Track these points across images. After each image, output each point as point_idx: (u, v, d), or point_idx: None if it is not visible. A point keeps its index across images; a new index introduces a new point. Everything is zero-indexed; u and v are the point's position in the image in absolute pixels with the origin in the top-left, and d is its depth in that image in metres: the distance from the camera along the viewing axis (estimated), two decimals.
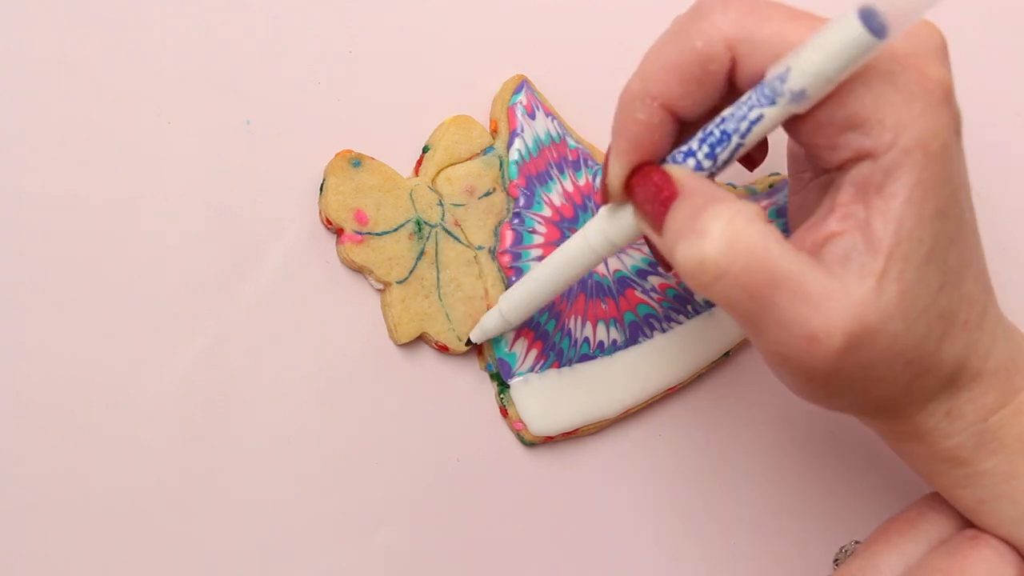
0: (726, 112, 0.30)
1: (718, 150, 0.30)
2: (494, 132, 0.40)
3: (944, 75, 0.29)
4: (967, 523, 0.34)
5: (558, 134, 0.40)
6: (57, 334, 0.36)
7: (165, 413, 0.37)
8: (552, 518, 0.40)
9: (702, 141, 0.30)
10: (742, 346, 0.42)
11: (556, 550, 0.40)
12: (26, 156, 0.36)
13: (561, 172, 0.40)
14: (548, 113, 0.40)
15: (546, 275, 0.36)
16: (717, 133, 0.30)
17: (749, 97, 0.29)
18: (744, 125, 0.30)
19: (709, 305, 0.41)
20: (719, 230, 0.28)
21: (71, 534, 0.36)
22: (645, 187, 0.31)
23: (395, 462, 0.39)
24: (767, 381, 0.42)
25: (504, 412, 0.40)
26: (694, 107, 0.31)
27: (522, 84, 0.40)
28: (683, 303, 0.41)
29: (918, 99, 0.29)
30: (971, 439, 0.31)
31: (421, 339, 0.39)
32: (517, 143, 0.40)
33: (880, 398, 0.31)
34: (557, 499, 0.40)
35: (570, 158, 0.40)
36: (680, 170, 0.31)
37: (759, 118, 0.29)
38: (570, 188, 0.40)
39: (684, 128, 0.31)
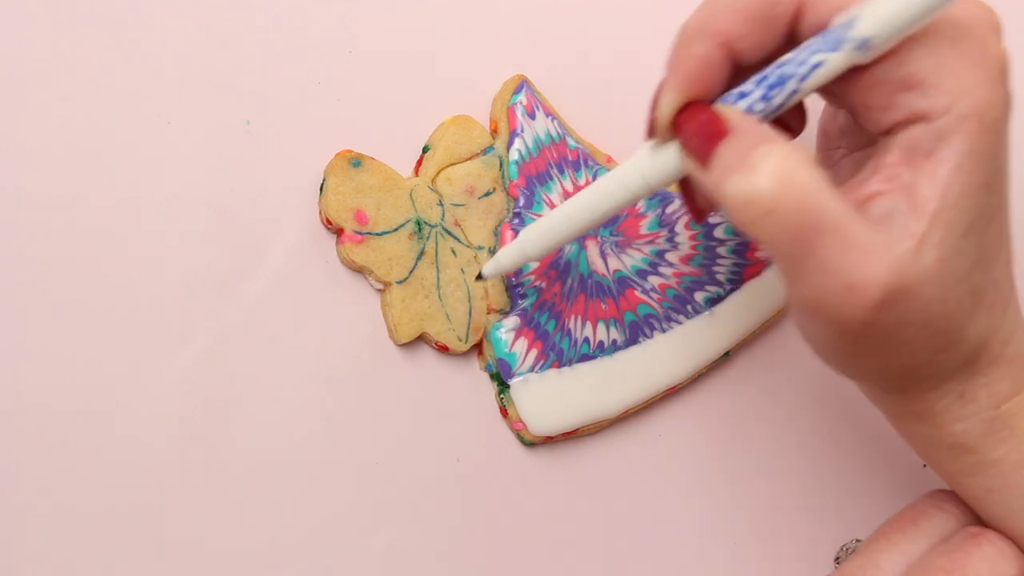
0: (785, 57, 0.30)
1: (773, 92, 0.30)
2: (494, 132, 0.40)
3: (1003, 52, 0.29)
4: (969, 520, 0.34)
5: (558, 134, 0.40)
6: (57, 334, 0.36)
7: (165, 413, 0.37)
8: (552, 518, 0.40)
9: (758, 83, 0.30)
10: (742, 346, 0.42)
11: (556, 550, 0.40)
12: (26, 156, 0.36)
13: (561, 172, 0.40)
14: (548, 113, 0.40)
15: (574, 209, 0.35)
16: (774, 76, 0.30)
17: (812, 43, 0.29)
18: (804, 69, 0.29)
19: (709, 305, 0.41)
20: (772, 167, 0.28)
21: (71, 534, 0.36)
22: (693, 123, 0.30)
23: (395, 462, 0.39)
24: (767, 381, 0.42)
25: (504, 412, 0.40)
26: (753, 50, 0.30)
27: (522, 84, 0.40)
28: (683, 303, 0.41)
29: (978, 68, 0.29)
30: (980, 425, 0.31)
31: (421, 339, 0.39)
32: (517, 143, 0.40)
33: (903, 366, 0.31)
34: (557, 499, 0.40)
35: (570, 158, 0.40)
36: (731, 110, 0.30)
37: (821, 63, 0.29)
38: (570, 188, 0.40)
39: (737, 75, 0.31)
